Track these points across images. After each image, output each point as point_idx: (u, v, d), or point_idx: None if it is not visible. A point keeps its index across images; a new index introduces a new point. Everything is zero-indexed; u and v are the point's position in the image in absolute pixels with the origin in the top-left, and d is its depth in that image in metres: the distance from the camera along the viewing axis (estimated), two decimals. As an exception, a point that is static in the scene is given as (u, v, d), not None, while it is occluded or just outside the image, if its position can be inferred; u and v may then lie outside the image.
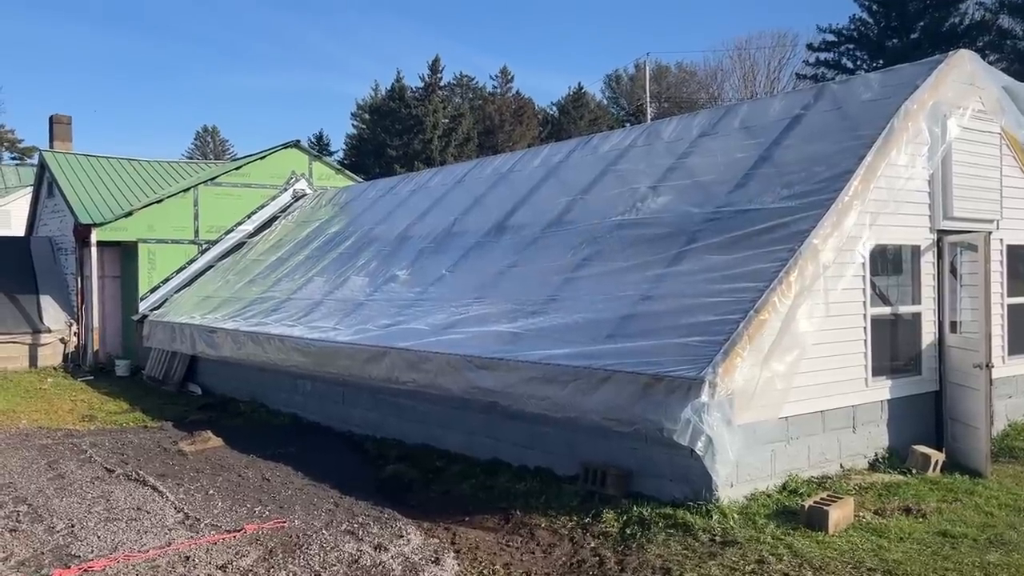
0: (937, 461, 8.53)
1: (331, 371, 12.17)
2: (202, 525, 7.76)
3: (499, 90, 66.43)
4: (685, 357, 7.50)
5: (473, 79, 64.87)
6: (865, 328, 8.65)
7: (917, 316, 9.30)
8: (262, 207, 22.24)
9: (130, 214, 20.56)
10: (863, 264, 8.63)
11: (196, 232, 21.39)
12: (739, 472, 7.57)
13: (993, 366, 8.91)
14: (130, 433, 12.58)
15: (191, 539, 7.34)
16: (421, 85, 61.27)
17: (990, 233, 8.95)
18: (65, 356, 21.12)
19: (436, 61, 61.89)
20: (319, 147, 66.87)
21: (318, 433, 12.39)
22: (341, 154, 64.13)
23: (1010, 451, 9.63)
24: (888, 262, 9.56)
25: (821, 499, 7.22)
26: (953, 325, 9.26)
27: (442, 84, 62.50)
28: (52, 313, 21.31)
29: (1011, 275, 10.82)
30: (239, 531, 7.49)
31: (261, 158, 22.56)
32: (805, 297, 7.84)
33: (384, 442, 11.36)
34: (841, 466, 8.48)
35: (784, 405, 7.80)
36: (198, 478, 9.60)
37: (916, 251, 9.30)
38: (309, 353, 12.54)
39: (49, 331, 21.03)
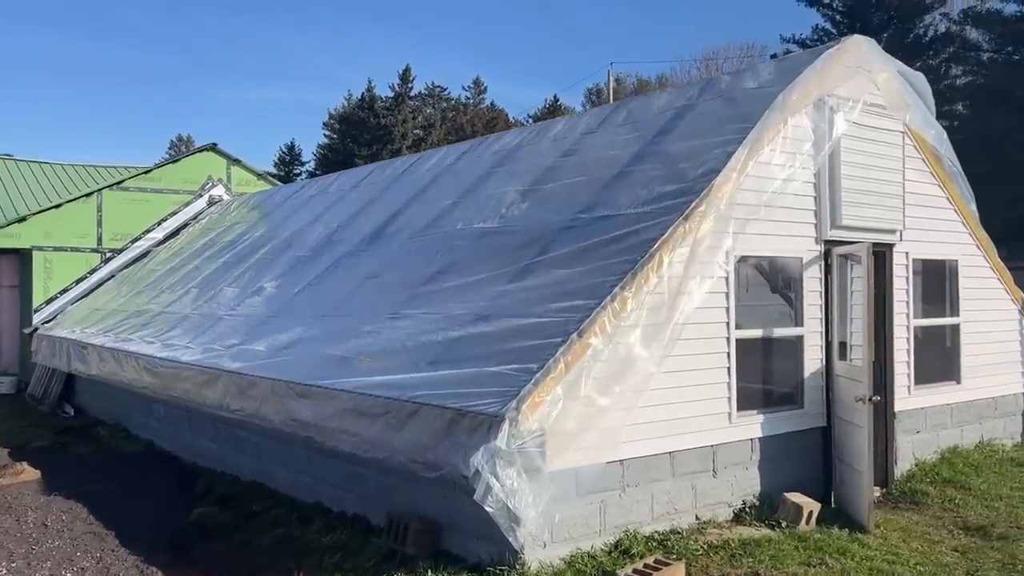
0: (811, 512, 7.25)
1: (174, 394, 10.85)
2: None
3: (472, 100, 65.36)
4: (496, 388, 6.21)
5: (445, 89, 63.71)
6: (729, 354, 7.37)
7: (799, 340, 8.02)
8: (174, 214, 20.87)
9: (24, 219, 19.16)
10: (726, 279, 7.37)
11: (99, 240, 19.98)
12: (557, 529, 6.27)
13: (875, 398, 7.62)
14: (-54, 462, 11.19)
15: None
16: (391, 94, 60.20)
17: (871, 244, 7.69)
18: (-50, 371, 19.68)
19: (407, 71, 60.85)
20: (290, 157, 65.63)
21: (159, 464, 11.05)
22: (312, 164, 62.86)
23: (911, 496, 8.36)
24: (766, 277, 8.28)
25: (645, 565, 5.94)
26: (843, 350, 7.99)
27: (413, 94, 61.36)
28: (-59, 325, 19.88)
29: (925, 293, 9.60)
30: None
31: (174, 162, 21.27)
32: (645, 317, 6.58)
33: (220, 477, 10.03)
34: (697, 517, 7.19)
35: (618, 446, 6.53)
36: (-32, 522, 8.25)
37: (798, 265, 8.04)
38: (156, 374, 11.21)
39: (-64, 344, 19.60)
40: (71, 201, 19.86)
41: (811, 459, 8.06)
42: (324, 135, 65.30)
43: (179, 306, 13.91)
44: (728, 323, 7.37)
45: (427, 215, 11.01)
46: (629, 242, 7.09)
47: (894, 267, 8.78)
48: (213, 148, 21.78)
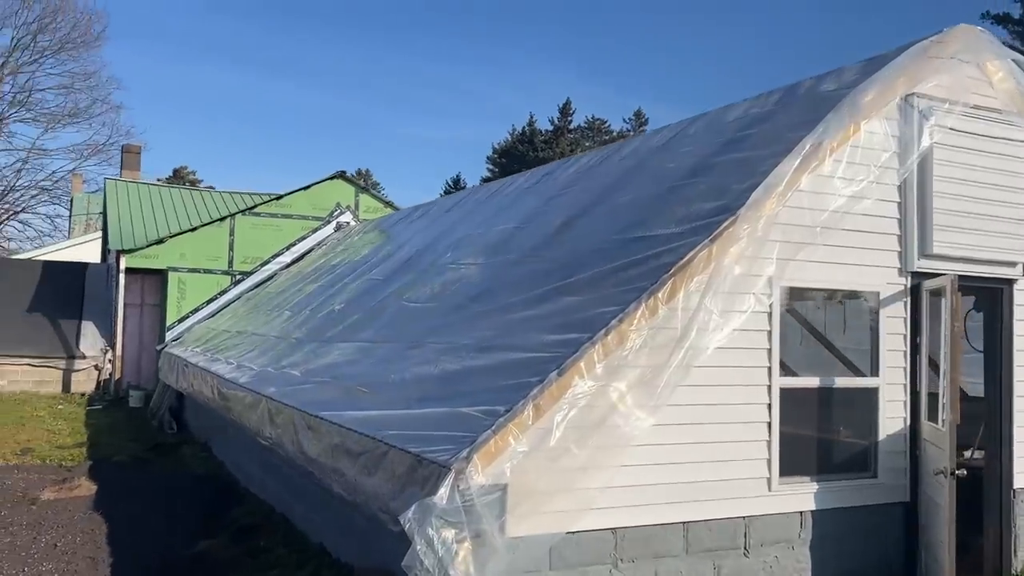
0: (869, 611, 5.77)
1: (231, 416, 10.69)
2: None
3: (633, 133, 64.36)
4: (459, 433, 5.31)
5: (606, 122, 63.10)
6: (770, 405, 6.03)
7: (873, 393, 6.52)
8: (302, 239, 21.34)
9: (161, 241, 20.17)
10: (768, 315, 6.07)
11: (230, 262, 20.72)
12: (522, 608, 5.24)
13: (961, 472, 6.00)
14: (26, 471, 11.53)
15: None
16: (551, 128, 60.44)
17: (956, 278, 6.11)
18: (98, 383, 20.89)
19: (567, 104, 61.07)
20: (456, 190, 67.18)
21: (213, 488, 10.81)
22: (473, 197, 63.98)
23: (1029, 598, 6.61)
24: (833, 315, 6.87)
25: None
26: (933, 408, 6.42)
27: (572, 127, 61.28)
28: (90, 339, 21.21)
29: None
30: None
31: (304, 189, 21.72)
32: (647, 356, 5.47)
33: (258, 507, 9.68)
34: (721, 605, 5.89)
35: (608, 511, 5.43)
36: (-12, 535, 8.25)
37: (875, 300, 6.58)
38: (222, 394, 11.09)
39: (84, 357, 20.91)
40: (206, 225, 20.73)
41: (887, 542, 6.50)
42: (487, 169, 66.41)
43: (267, 328, 13.93)
44: (770, 368, 6.05)
45: (490, 241, 10.26)
46: (647, 267, 6.00)
47: (1014, 308, 7.07)
48: (342, 176, 22.16)
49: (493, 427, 5.08)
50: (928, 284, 6.50)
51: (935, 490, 6.10)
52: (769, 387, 6.05)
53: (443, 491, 4.83)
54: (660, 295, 5.56)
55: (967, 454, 7.28)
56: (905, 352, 6.61)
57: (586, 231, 8.05)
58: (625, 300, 5.63)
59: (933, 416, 6.38)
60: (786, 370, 6.18)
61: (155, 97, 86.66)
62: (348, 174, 22.09)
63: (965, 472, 5.92)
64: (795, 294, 6.35)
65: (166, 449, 13.67)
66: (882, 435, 6.50)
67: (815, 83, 7.67)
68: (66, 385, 20.75)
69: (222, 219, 20.91)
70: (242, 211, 21.20)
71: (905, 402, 6.60)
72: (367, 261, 14.32)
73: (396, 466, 5.63)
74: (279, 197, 21.63)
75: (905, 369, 6.60)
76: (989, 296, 7.10)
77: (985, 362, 7.13)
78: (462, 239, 11.10)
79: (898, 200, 6.60)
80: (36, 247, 38.37)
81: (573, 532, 5.35)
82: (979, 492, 6.98)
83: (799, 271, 6.16)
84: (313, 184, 21.80)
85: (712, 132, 8.43)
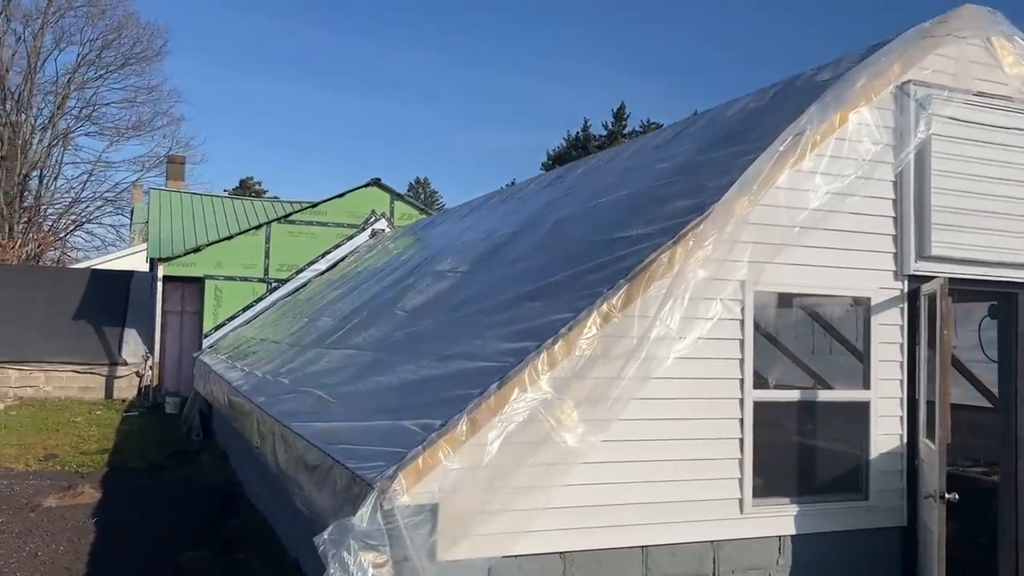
0: (849, 648, 5.24)
1: (235, 425, 10.64)
2: None
3: (690, 137, 63.30)
4: (394, 448, 5.00)
5: (660, 126, 62.08)
6: (742, 420, 5.54)
7: (863, 408, 5.97)
8: (337, 246, 21.35)
9: (198, 249, 20.40)
10: (740, 322, 5.59)
11: (266, 270, 20.86)
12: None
13: (952, 496, 5.41)
14: (40, 478, 11.63)
15: None
16: (605, 133, 59.87)
17: (946, 280, 5.51)
18: (139, 389, 21.24)
19: (621, 109, 60.32)
20: (512, 196, 67.03)
21: (216, 498, 10.71)
22: (528, 203, 63.77)
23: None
24: (820, 322, 6.33)
25: None
26: (931, 423, 5.84)
27: (626, 132, 60.52)
28: (132, 346, 21.58)
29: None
30: None
31: (339, 196, 21.74)
32: (598, 367, 5.07)
33: (252, 517, 9.54)
34: (685, 638, 5.43)
35: (554, 533, 5.05)
36: (-24, 542, 8.26)
37: (867, 307, 6.03)
38: (230, 401, 11.07)
39: (126, 364, 21.28)
40: (242, 233, 20.90)
41: (881, 570, 5.94)
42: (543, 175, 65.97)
43: (283, 335, 13.88)
44: (742, 380, 5.57)
45: (489, 245, 9.93)
46: (607, 271, 5.60)
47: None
48: (377, 183, 22.11)
49: (424, 443, 4.76)
50: (926, 288, 5.93)
51: (928, 513, 5.54)
52: (741, 401, 5.56)
53: (363, 511, 4.52)
54: (614, 301, 5.16)
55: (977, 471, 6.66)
56: (901, 363, 6.04)
57: (571, 234, 7.68)
58: (578, 307, 5.25)
59: (930, 434, 5.81)
60: (758, 383, 5.68)
61: (218, 109, 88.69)
62: (383, 182, 22.01)
63: (956, 496, 5.33)
64: (771, 299, 5.86)
65: (186, 456, 13.69)
66: (874, 453, 5.94)
67: (813, 74, 7.16)
68: (109, 391, 21.14)
69: (258, 227, 21.07)
70: (278, 219, 21.32)
71: (901, 417, 6.02)
72: (384, 268, 14.16)
73: (338, 482, 5.36)
74: (314, 205, 21.71)
75: (901, 381, 6.03)
76: (1004, 302, 6.48)
77: (1000, 372, 6.51)
78: (465, 244, 10.82)
79: (893, 197, 6.04)
80: (100, 256, 39.54)
81: (513, 556, 4.98)
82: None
83: (776, 275, 5.67)
84: (348, 192, 21.80)
85: (710, 129, 7.97)
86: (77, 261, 41.18)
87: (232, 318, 20.36)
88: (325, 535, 4.47)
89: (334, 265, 20.85)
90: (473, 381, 5.26)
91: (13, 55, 39.81)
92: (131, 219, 41.18)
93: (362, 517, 4.51)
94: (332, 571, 4.39)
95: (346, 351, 8.88)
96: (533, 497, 4.91)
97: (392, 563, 4.54)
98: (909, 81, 5.99)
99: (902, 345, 6.06)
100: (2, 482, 11.16)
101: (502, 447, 4.82)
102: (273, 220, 21.24)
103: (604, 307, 5.14)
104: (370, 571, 4.45)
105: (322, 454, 5.76)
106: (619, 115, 59.26)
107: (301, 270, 21.01)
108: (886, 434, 5.98)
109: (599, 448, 5.00)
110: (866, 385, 6.00)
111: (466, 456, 4.77)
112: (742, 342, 5.59)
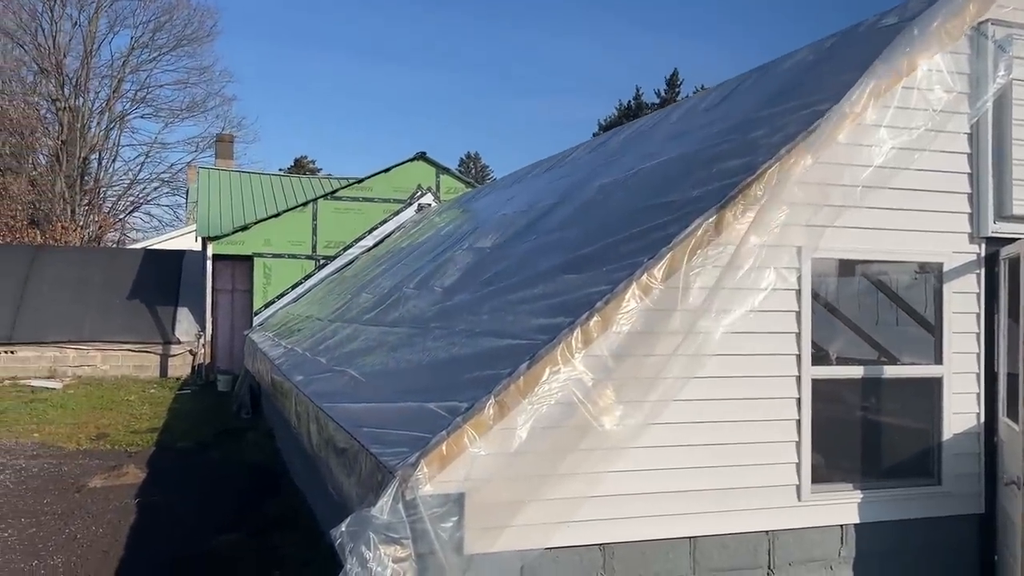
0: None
1: (277, 403, 10.49)
2: None
3: (746, 103, 61.70)
4: (418, 433, 4.66)
5: (716, 92, 60.58)
6: (799, 400, 5.06)
7: (936, 384, 5.42)
8: (384, 222, 21.15)
9: (247, 227, 20.38)
10: (796, 292, 5.09)
11: (314, 247, 20.77)
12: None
13: None
14: (90, 457, 11.67)
15: None
16: (657, 101, 58.63)
17: None
18: (193, 368, 21.42)
19: (674, 75, 59.01)
20: (563, 169, 66.43)
21: (260, 479, 10.58)
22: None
23: None
24: (885, 292, 5.77)
25: None
26: (1012, 401, 5.27)
27: (679, 99, 59.15)
28: (185, 325, 21.74)
29: None
30: None
31: (385, 171, 21.49)
32: (639, 344, 4.64)
33: (293, 497, 9.39)
34: (738, 635, 5.00)
35: (593, 524, 4.66)
36: (15, 524, 8.21)
37: (938, 273, 5.46)
38: (273, 380, 10.93)
39: (179, 342, 21.47)
40: (289, 210, 20.80)
41: (956, 560, 5.43)
42: (593, 146, 65.15)
43: (326, 312, 13.70)
44: (799, 356, 5.08)
45: (528, 217, 9.50)
46: (648, 239, 5.15)
47: None
48: (423, 157, 21.78)
49: (448, 427, 4.40)
50: (1006, 251, 5.34)
51: (1009, 500, 5.00)
52: (798, 378, 5.08)
53: (383, 501, 4.18)
54: (655, 272, 4.70)
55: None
56: (978, 334, 5.47)
57: (613, 202, 7.21)
58: (615, 279, 4.82)
59: (1012, 412, 5.25)
60: (817, 359, 5.18)
61: (270, 89, 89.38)
62: (428, 155, 21.67)
63: (1044, 484, 4.79)
64: (833, 266, 5.34)
65: (233, 435, 13.64)
66: (947, 434, 5.40)
67: (876, 20, 6.53)
68: (163, 370, 21.38)
69: (304, 204, 20.95)
70: (324, 196, 21.16)
71: (978, 394, 5.47)
72: (425, 243, 13.86)
73: (363, 468, 5.04)
74: (360, 181, 21.50)
75: (978, 355, 5.47)
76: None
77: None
78: (505, 216, 10.40)
79: (968, 151, 5.44)
80: (156, 236, 40.18)
81: (550, 548, 4.61)
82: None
83: (836, 240, 5.15)
84: (393, 167, 21.53)
85: (763, 85, 7.41)
86: (136, 242, 41.95)
87: (281, 296, 20.35)
88: (343, 527, 4.15)
89: (380, 241, 20.67)
90: (503, 360, 4.88)
91: (70, 40, 40.47)
92: (186, 199, 41.74)
93: (382, 508, 4.18)
94: (349, 567, 4.07)
95: (382, 328, 8.59)
96: (569, 485, 4.53)
97: (415, 557, 4.21)
98: (987, 20, 5.38)
99: (979, 315, 5.48)
100: (51, 462, 11.22)
101: (533, 431, 4.44)
102: (319, 197, 21.09)
103: (644, 278, 4.70)
104: (391, 566, 4.14)
105: (349, 437, 5.46)
106: (672, 82, 57.97)
107: (348, 246, 20.88)
108: (961, 413, 5.43)
109: (640, 432, 4.58)
110: (938, 359, 5.45)
111: (494, 442, 4.40)
112: (799, 314, 5.09)
